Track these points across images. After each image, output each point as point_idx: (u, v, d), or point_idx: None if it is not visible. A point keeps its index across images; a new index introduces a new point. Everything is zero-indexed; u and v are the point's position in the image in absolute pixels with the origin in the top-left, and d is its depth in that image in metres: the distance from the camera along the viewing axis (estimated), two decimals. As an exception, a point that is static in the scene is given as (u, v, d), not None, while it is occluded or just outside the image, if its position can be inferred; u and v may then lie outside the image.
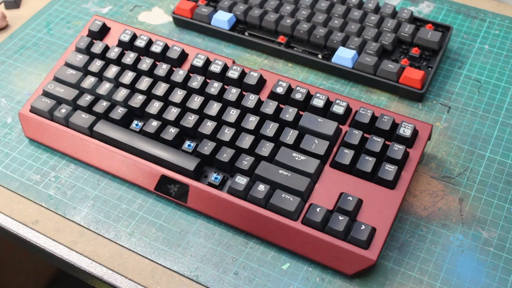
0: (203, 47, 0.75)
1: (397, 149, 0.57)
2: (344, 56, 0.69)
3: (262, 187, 0.55)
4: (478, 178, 0.60)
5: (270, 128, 0.59)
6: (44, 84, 0.67)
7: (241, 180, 0.56)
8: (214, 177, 0.58)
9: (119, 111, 0.63)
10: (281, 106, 0.62)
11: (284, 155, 0.57)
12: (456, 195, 0.59)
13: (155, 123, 0.61)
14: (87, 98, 0.64)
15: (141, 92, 0.64)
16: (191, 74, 0.65)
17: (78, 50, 0.69)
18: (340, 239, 0.53)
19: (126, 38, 0.69)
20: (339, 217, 0.53)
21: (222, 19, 0.74)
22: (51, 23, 0.80)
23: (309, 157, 0.57)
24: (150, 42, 0.69)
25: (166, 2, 0.83)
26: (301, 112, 0.61)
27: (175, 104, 0.63)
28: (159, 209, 0.59)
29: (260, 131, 0.59)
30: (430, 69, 0.68)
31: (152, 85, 0.65)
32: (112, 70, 0.66)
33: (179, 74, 0.65)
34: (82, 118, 0.63)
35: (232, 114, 0.61)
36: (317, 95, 0.61)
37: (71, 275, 0.58)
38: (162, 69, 0.66)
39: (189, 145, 0.60)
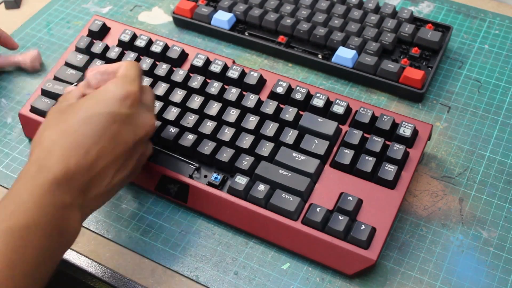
0: (203, 47, 0.75)
1: (397, 149, 0.57)
2: (344, 56, 0.69)
3: (262, 187, 0.55)
4: (478, 178, 0.60)
5: (270, 128, 0.59)
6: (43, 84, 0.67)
7: (241, 180, 0.56)
8: (214, 177, 0.58)
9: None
10: (281, 106, 0.62)
11: (284, 155, 0.57)
12: (456, 195, 0.59)
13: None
14: (87, 98, 0.64)
15: (141, 92, 0.64)
16: (191, 74, 0.65)
17: (78, 50, 0.69)
18: (340, 239, 0.53)
19: (126, 38, 0.69)
20: (339, 217, 0.53)
21: (222, 19, 0.74)
22: (51, 23, 0.80)
23: (309, 157, 0.57)
24: (150, 42, 0.69)
25: (166, 2, 0.83)
26: (301, 112, 0.61)
27: (175, 104, 0.63)
28: (159, 209, 0.59)
29: (260, 131, 0.59)
30: (430, 69, 0.68)
31: (152, 85, 0.65)
32: (112, 70, 0.66)
33: (179, 74, 0.65)
34: (82, 118, 0.63)
35: (232, 114, 0.61)
36: (317, 95, 0.61)
37: (71, 275, 0.58)
38: (162, 69, 0.66)
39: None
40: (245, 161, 0.57)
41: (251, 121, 0.60)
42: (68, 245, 0.44)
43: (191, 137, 0.59)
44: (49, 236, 0.42)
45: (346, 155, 0.57)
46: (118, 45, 0.70)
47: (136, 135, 0.47)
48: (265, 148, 0.58)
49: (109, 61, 0.68)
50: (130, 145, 0.46)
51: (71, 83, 0.66)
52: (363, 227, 0.52)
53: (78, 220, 0.44)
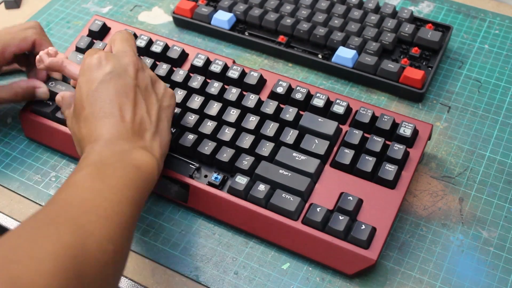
0: (203, 47, 0.75)
1: (397, 149, 0.57)
2: (344, 56, 0.69)
3: (262, 187, 0.55)
4: (478, 178, 0.60)
5: (270, 128, 0.59)
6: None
7: (241, 180, 0.56)
8: (214, 177, 0.58)
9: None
10: (281, 106, 0.62)
11: (284, 155, 0.57)
12: (456, 195, 0.59)
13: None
14: (87, 98, 0.64)
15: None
16: (191, 74, 0.65)
17: (78, 50, 0.69)
18: (340, 239, 0.53)
19: (126, 38, 0.69)
20: (339, 217, 0.53)
21: (222, 19, 0.74)
22: (51, 23, 0.80)
23: (309, 157, 0.57)
24: (150, 42, 0.69)
25: (166, 2, 0.83)
26: (301, 112, 0.61)
27: (176, 104, 0.63)
28: (159, 209, 0.59)
29: (260, 131, 0.59)
30: (430, 69, 0.68)
31: (152, 85, 0.65)
32: (112, 70, 0.66)
33: (179, 74, 0.65)
34: (82, 118, 0.63)
35: (232, 114, 0.61)
36: (317, 95, 0.61)
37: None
38: (162, 69, 0.66)
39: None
40: (245, 161, 0.57)
41: (251, 121, 0.60)
42: (148, 176, 0.50)
43: (191, 137, 0.59)
44: (124, 168, 0.48)
45: (346, 155, 0.57)
46: (118, 45, 0.70)
47: (128, 75, 0.53)
48: (265, 148, 0.58)
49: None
50: (131, 85, 0.53)
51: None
52: (363, 227, 0.52)
53: (149, 157, 0.50)
